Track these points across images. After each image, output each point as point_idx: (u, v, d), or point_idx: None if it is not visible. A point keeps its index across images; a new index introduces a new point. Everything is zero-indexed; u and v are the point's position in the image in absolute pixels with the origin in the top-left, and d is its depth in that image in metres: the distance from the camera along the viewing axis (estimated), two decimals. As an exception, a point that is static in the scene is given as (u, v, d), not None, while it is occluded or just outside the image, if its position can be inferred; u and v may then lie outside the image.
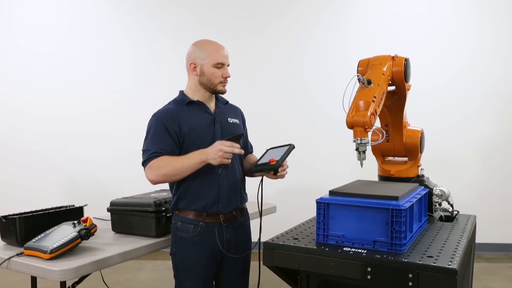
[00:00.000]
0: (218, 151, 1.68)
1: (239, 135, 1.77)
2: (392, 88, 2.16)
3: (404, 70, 2.07)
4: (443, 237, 1.79)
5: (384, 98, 1.96)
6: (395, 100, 2.19)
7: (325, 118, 4.43)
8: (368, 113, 1.77)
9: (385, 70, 2.04)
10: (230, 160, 1.72)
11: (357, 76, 1.96)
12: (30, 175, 4.69)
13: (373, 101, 1.83)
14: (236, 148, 1.71)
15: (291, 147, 1.83)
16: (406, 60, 2.09)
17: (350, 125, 1.81)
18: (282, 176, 1.86)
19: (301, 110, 4.56)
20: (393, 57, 2.10)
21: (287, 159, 1.82)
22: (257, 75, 4.60)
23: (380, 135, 2.03)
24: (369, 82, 1.89)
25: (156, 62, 4.65)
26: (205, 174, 1.83)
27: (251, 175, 2.01)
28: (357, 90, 1.92)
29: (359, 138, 1.80)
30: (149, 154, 1.79)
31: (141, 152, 1.84)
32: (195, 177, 1.82)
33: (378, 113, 1.88)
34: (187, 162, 1.74)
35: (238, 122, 2.02)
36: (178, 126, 1.83)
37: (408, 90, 2.17)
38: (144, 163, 1.81)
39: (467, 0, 4.40)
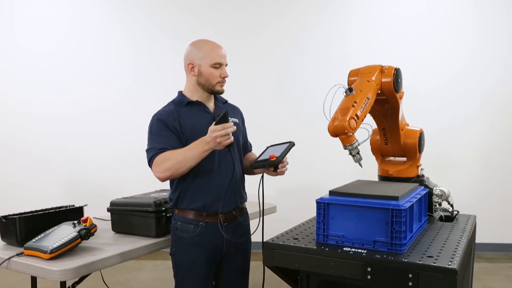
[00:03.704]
0: (214, 138, 1.66)
1: (223, 115, 1.68)
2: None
3: (394, 81, 2.00)
4: (443, 237, 1.79)
5: (371, 103, 1.92)
6: (388, 107, 2.16)
7: (325, 118, 4.41)
8: (347, 118, 1.76)
9: (372, 79, 1.99)
10: (231, 139, 1.68)
11: (338, 86, 1.94)
12: (30, 175, 4.69)
13: (353, 106, 1.81)
14: (229, 128, 1.66)
15: (291, 144, 1.84)
16: (396, 70, 2.02)
17: (333, 133, 1.82)
18: (282, 173, 1.86)
19: (301, 110, 4.55)
20: (381, 68, 2.03)
21: (287, 156, 1.82)
22: (257, 75, 4.60)
23: (368, 132, 2.00)
24: (350, 90, 1.89)
25: (156, 62, 4.65)
26: (205, 173, 1.83)
27: (251, 172, 2.01)
28: (341, 100, 1.92)
29: (348, 145, 1.81)
30: (154, 151, 1.77)
31: (145, 152, 1.83)
32: (195, 176, 1.83)
33: (363, 117, 1.85)
34: (189, 153, 1.71)
35: (237, 121, 2.01)
36: (179, 126, 1.83)
37: (401, 98, 2.12)
38: (150, 161, 1.79)
39: (467, 0, 4.40)
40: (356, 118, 1.80)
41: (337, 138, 1.85)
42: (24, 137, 4.70)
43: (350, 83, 2.12)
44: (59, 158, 4.67)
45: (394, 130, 2.26)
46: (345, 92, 1.91)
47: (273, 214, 2.83)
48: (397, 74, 2.02)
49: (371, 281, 1.49)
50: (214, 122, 1.68)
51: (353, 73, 2.15)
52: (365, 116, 1.88)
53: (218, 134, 1.65)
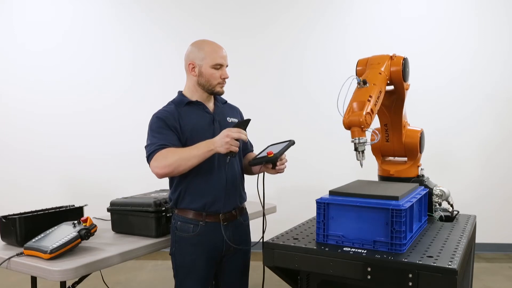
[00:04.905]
0: (225, 137, 1.66)
1: (246, 120, 1.75)
2: (391, 87, 2.15)
3: (403, 70, 2.06)
4: (443, 237, 1.79)
5: (382, 97, 1.95)
6: (394, 100, 2.19)
7: (325, 118, 4.42)
8: (364, 113, 1.77)
9: (382, 70, 2.03)
10: (237, 148, 1.71)
11: (354, 77, 1.95)
12: (30, 175, 4.69)
13: (369, 100, 1.83)
14: (243, 135, 1.70)
15: (290, 142, 1.84)
16: (405, 59, 2.08)
17: (347, 126, 1.81)
18: (281, 170, 1.85)
19: (301, 110, 4.56)
20: (391, 57, 2.09)
21: (286, 153, 1.82)
22: (257, 75, 4.60)
23: (376, 136, 2.01)
24: (364, 82, 1.90)
25: (156, 62, 4.65)
26: (205, 173, 1.83)
27: (251, 172, 2.01)
28: (354, 91, 1.92)
29: (357, 138, 1.80)
30: (154, 146, 1.76)
31: (144, 148, 1.81)
32: (195, 176, 1.83)
33: (375, 112, 1.88)
34: (194, 151, 1.71)
35: (237, 121, 2.01)
36: (179, 126, 1.83)
37: (407, 89, 2.16)
38: (149, 156, 1.77)
39: (467, 1, 4.40)
40: (371, 112, 1.81)
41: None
42: (24, 137, 4.70)
43: (358, 73, 2.15)
44: (59, 158, 4.67)
45: (397, 126, 2.26)
46: (358, 83, 1.91)
47: (273, 214, 2.83)
48: (405, 63, 2.08)
49: (371, 281, 1.49)
50: (233, 125, 1.75)
51: (361, 63, 2.17)
52: (377, 110, 1.90)
53: (231, 134, 1.66)
